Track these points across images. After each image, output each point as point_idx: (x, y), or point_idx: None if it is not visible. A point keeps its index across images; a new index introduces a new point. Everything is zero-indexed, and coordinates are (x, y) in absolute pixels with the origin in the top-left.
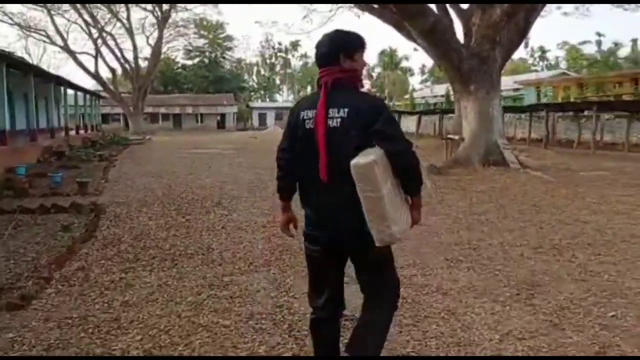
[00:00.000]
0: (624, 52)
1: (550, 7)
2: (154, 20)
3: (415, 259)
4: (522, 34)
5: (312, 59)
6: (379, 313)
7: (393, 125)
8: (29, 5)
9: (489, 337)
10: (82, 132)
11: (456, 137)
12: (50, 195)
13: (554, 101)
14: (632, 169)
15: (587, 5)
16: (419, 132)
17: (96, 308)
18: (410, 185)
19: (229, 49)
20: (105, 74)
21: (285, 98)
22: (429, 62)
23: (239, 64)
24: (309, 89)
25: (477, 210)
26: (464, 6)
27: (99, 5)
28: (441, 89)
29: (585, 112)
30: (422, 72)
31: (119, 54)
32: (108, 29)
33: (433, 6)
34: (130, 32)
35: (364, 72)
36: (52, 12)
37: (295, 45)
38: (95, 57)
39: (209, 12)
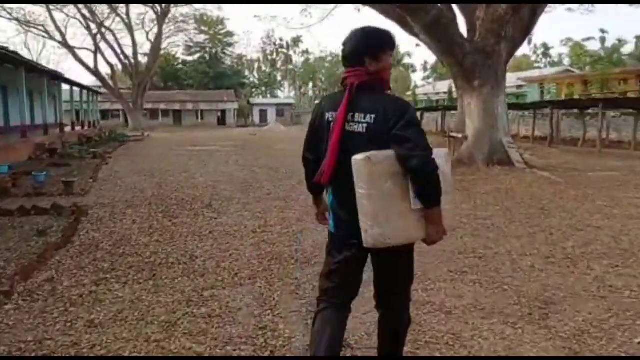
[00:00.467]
0: (627, 49)
1: (554, 4)
2: (154, 16)
3: (416, 271)
4: (527, 30)
5: (313, 55)
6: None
7: (412, 129)
8: None
9: None
10: (78, 128)
11: (459, 136)
12: (33, 196)
13: (557, 98)
14: None
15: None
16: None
17: (56, 329)
18: (423, 195)
19: (230, 45)
20: (104, 69)
21: (286, 94)
22: (431, 58)
23: (240, 60)
24: (310, 85)
25: (482, 213)
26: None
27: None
28: (444, 85)
29: (590, 110)
30: (425, 69)
31: (118, 50)
32: (107, 24)
33: None
34: (129, 27)
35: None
36: (51, 7)
37: (296, 41)
38: (95, 53)
39: (209, 7)
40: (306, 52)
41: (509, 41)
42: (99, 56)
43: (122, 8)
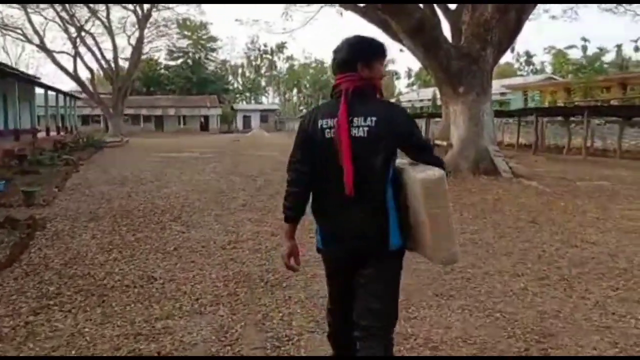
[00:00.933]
0: (608, 57)
1: (538, 10)
2: (135, 20)
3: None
4: (512, 35)
5: (297, 62)
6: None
7: (420, 134)
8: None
9: None
10: (53, 134)
11: (444, 143)
12: None
13: (541, 106)
14: (632, 179)
15: (575, 8)
16: None
17: None
18: None
19: (213, 50)
20: (85, 74)
21: (271, 100)
22: (415, 65)
23: (224, 65)
24: (294, 91)
25: (468, 227)
26: (452, 6)
27: (78, 3)
28: (428, 92)
29: (572, 118)
30: (409, 76)
31: (98, 54)
32: (87, 27)
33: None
34: (110, 31)
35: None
36: (29, 10)
37: (281, 47)
38: (74, 57)
39: (192, 11)
40: (291, 58)
41: (495, 46)
42: (79, 60)
43: (102, 11)
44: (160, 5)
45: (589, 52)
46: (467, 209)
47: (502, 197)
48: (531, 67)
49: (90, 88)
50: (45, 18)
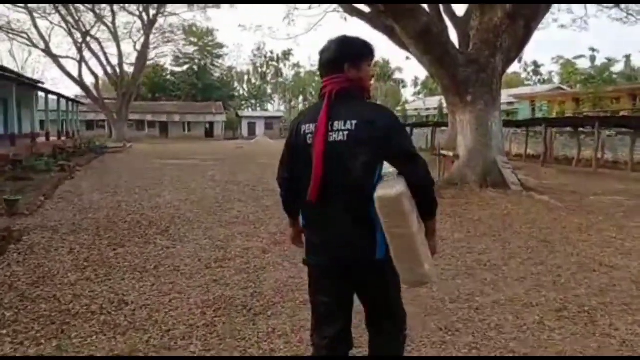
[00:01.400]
0: (617, 68)
1: (547, 20)
2: (141, 26)
3: None
4: (522, 43)
5: (304, 69)
6: (388, 348)
7: (408, 141)
8: (9, 6)
9: None
10: (54, 139)
11: (450, 154)
12: None
13: (549, 116)
14: None
15: (584, 18)
16: None
17: None
18: (428, 208)
19: (219, 56)
20: (90, 79)
21: (276, 107)
22: (422, 74)
23: (230, 72)
24: (300, 98)
25: (476, 246)
26: (460, 12)
27: (83, 7)
28: (434, 101)
29: (580, 129)
30: (415, 84)
31: (103, 59)
32: (92, 33)
33: (425, 6)
34: (115, 36)
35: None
36: (35, 15)
37: (287, 54)
38: (79, 62)
39: (198, 18)
40: (297, 65)
41: (505, 53)
42: (84, 66)
43: (108, 17)
44: (167, 11)
45: (597, 63)
46: (474, 225)
47: (512, 212)
48: (539, 77)
49: (95, 93)
50: (51, 23)
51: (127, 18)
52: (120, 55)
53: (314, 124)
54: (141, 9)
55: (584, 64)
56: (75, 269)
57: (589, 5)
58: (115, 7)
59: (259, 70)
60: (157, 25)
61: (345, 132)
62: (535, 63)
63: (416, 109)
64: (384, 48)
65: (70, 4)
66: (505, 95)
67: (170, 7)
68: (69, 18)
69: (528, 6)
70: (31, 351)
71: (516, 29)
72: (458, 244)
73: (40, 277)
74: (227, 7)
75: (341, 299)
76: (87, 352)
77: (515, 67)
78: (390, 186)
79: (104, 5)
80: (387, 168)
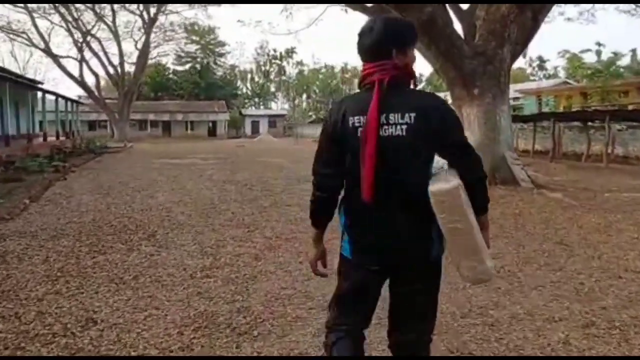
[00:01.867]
0: (623, 62)
1: (553, 13)
2: (142, 24)
3: None
4: (530, 34)
5: (307, 67)
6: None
7: (463, 133)
8: (9, 6)
9: None
10: (52, 139)
11: None
12: None
13: (555, 111)
14: None
15: (591, 10)
16: None
17: None
18: (482, 202)
19: (222, 55)
20: (91, 79)
21: (280, 106)
22: (426, 70)
23: (232, 70)
24: (304, 96)
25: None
26: (465, 5)
27: (83, 6)
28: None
29: (590, 123)
30: (420, 81)
31: (104, 59)
32: (93, 32)
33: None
34: (116, 35)
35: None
36: (35, 15)
37: (290, 52)
38: (80, 62)
39: (199, 16)
40: (300, 63)
41: (512, 45)
42: (85, 65)
43: (108, 16)
44: (167, 9)
45: (603, 57)
46: None
47: (523, 211)
48: (544, 72)
49: (96, 93)
50: (51, 22)
51: (127, 17)
52: (121, 54)
53: (365, 117)
54: (141, 8)
55: (590, 58)
56: (47, 280)
57: None
58: (116, 6)
59: (262, 68)
60: (158, 23)
61: (404, 126)
62: (540, 58)
63: None
64: None
65: (69, 4)
66: (511, 90)
67: (171, 5)
68: (68, 17)
69: None
70: None
71: (524, 19)
72: None
73: (5, 290)
74: (228, 4)
75: (368, 298)
76: None
77: (520, 62)
78: (445, 179)
79: (103, 5)
80: (436, 162)
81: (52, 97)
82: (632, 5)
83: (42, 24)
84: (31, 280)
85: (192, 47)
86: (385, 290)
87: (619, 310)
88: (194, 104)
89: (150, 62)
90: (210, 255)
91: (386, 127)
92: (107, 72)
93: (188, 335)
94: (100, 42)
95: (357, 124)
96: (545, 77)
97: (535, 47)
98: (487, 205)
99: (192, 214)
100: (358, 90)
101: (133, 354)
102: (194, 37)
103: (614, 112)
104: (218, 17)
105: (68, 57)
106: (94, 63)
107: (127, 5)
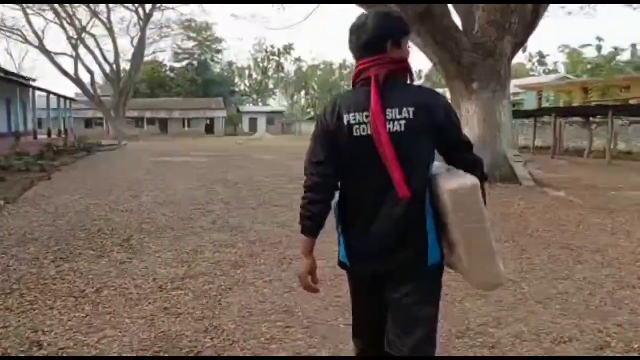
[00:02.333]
0: (623, 57)
1: (554, 7)
2: (137, 20)
3: None
4: (530, 28)
5: (305, 63)
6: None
7: (461, 130)
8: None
9: None
10: (44, 137)
11: None
12: None
13: (556, 106)
14: None
15: (593, 5)
16: None
17: None
18: (485, 202)
19: (219, 51)
20: (86, 76)
21: (278, 102)
22: (425, 66)
23: (230, 67)
24: (302, 93)
25: None
26: None
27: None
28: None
29: (591, 118)
30: (419, 77)
31: (99, 55)
32: (88, 28)
33: None
34: (111, 32)
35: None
36: (28, 11)
37: (288, 48)
38: (75, 59)
39: (196, 11)
40: (298, 59)
41: (514, 37)
42: (80, 62)
43: (103, 12)
44: (163, 5)
45: (604, 52)
46: None
47: (525, 211)
48: (544, 67)
49: (91, 90)
50: (45, 18)
51: (123, 13)
52: (116, 51)
53: (361, 114)
54: (136, 4)
55: (590, 53)
56: (0, 293)
57: None
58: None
59: (260, 64)
60: (153, 19)
61: (402, 122)
62: (540, 53)
63: None
64: None
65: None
66: (511, 85)
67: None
68: (63, 14)
69: None
70: None
71: (525, 10)
72: None
73: None
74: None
75: (380, 306)
76: None
77: (519, 57)
78: (460, 176)
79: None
80: (436, 160)
81: (46, 95)
82: None
83: (37, 20)
84: None
85: (189, 44)
86: None
87: (636, 328)
88: (191, 101)
89: (146, 59)
90: (186, 262)
91: (388, 122)
92: (102, 69)
93: None
94: (95, 38)
95: (352, 122)
96: (545, 72)
97: (535, 42)
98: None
99: (174, 216)
100: (352, 88)
101: None
102: (190, 34)
103: (616, 107)
104: (214, 12)
105: (63, 54)
106: (89, 60)
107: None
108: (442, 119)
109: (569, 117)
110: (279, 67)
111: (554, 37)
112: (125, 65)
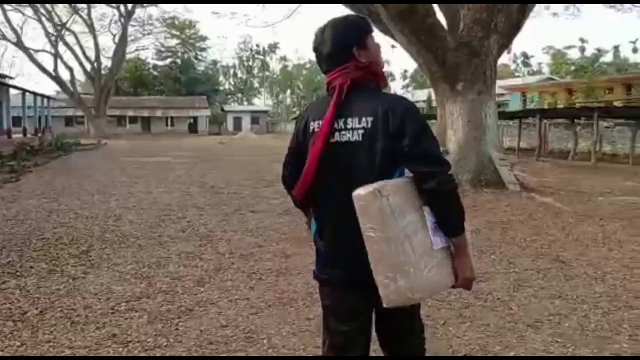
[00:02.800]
0: (606, 58)
1: (539, 7)
2: (121, 19)
3: None
4: (515, 28)
5: (291, 62)
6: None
7: (424, 138)
8: None
9: None
10: (18, 136)
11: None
12: None
13: (541, 107)
14: None
15: (578, 5)
16: None
17: None
18: (446, 222)
19: (203, 49)
20: (66, 74)
21: (263, 102)
22: (411, 66)
23: (214, 65)
24: (288, 92)
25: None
26: None
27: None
28: (423, 94)
29: (577, 120)
30: (404, 77)
31: (79, 53)
32: (68, 25)
33: None
34: (91, 29)
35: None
36: (7, 7)
37: (273, 47)
38: (55, 56)
39: (179, 9)
40: (284, 58)
41: (500, 36)
42: (60, 60)
43: (84, 9)
44: (145, 2)
45: (587, 53)
46: (469, 236)
47: (512, 219)
48: (528, 68)
49: (71, 88)
50: (23, 14)
51: (103, 9)
52: (97, 48)
53: (320, 122)
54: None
55: (574, 55)
56: None
57: None
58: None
59: (245, 63)
60: (135, 16)
61: (360, 131)
62: (524, 54)
63: None
64: None
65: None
66: (496, 86)
67: None
68: (42, 10)
69: None
70: None
71: (511, 9)
72: None
73: None
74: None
75: (350, 323)
76: None
77: (504, 58)
78: (372, 184)
79: None
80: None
81: (27, 93)
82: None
83: (15, 17)
84: None
85: (172, 42)
86: None
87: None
88: (174, 100)
89: (129, 56)
90: (146, 278)
91: (344, 132)
92: (83, 67)
93: None
94: (75, 35)
95: (315, 129)
96: (530, 74)
97: (520, 43)
98: (455, 225)
99: (142, 223)
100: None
101: None
102: (173, 32)
103: (603, 109)
104: (196, 10)
105: (43, 50)
106: (69, 57)
107: None
108: (397, 127)
109: (554, 118)
110: (264, 66)
111: (539, 38)
112: (107, 62)
